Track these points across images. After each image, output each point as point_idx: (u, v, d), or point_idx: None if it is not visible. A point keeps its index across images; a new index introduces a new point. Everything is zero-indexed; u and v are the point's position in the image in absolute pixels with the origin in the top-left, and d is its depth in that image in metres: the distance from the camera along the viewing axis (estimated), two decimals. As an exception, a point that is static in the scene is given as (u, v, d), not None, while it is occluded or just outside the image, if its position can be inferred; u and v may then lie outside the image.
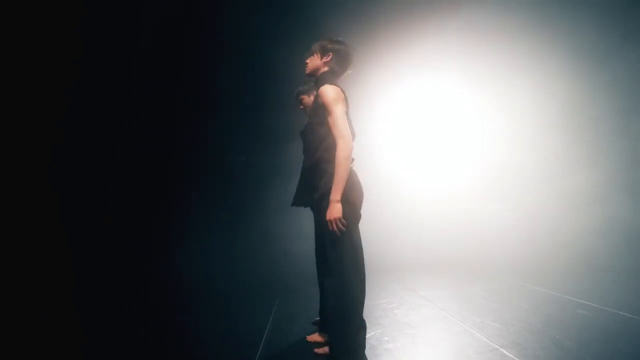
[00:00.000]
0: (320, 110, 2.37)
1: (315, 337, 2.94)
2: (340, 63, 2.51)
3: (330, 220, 2.20)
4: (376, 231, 4.70)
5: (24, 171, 6.32)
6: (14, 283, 4.57)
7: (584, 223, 5.76)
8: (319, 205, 2.35)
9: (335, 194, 2.20)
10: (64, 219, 6.59)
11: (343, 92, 2.39)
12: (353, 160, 2.41)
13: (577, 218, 5.82)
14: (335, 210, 2.20)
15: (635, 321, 3.13)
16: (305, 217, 5.10)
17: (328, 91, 2.34)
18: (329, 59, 2.51)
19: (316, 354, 2.68)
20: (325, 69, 2.52)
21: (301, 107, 3.34)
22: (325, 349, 2.70)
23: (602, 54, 5.65)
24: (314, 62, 2.54)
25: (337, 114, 2.30)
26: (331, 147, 2.33)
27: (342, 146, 2.25)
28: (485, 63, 6.16)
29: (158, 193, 6.82)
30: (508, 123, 6.34)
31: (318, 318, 3.18)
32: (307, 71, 2.56)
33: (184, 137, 6.97)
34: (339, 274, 2.22)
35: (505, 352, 2.63)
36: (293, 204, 2.89)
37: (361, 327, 2.25)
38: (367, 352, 2.60)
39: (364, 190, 2.44)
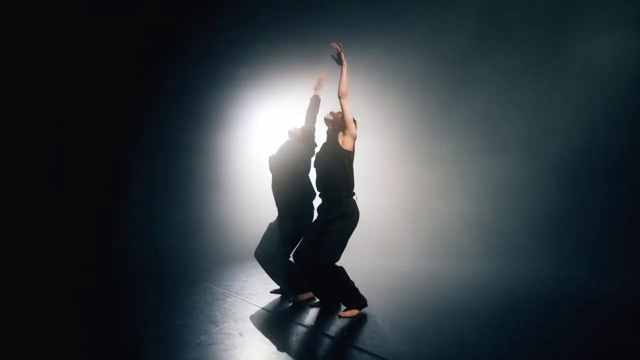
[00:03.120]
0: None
1: (307, 296, 3.81)
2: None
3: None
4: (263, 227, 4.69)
5: (24, 171, 6.33)
6: (14, 283, 4.57)
7: (411, 209, 6.82)
8: (337, 215, 3.47)
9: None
10: (64, 219, 6.60)
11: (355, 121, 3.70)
12: (354, 193, 3.55)
13: (405, 204, 6.85)
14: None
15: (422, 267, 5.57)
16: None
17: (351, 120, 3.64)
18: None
19: (313, 305, 3.71)
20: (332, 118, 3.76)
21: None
22: (316, 303, 3.74)
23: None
24: (336, 117, 3.67)
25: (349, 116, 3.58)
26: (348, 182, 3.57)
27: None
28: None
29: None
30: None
31: (278, 287, 4.10)
32: (333, 125, 3.70)
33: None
34: (336, 254, 3.49)
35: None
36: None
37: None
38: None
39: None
